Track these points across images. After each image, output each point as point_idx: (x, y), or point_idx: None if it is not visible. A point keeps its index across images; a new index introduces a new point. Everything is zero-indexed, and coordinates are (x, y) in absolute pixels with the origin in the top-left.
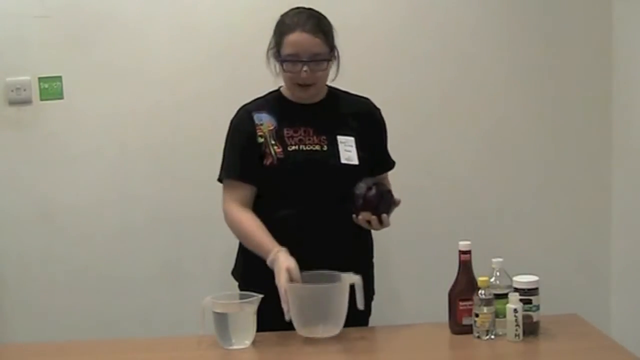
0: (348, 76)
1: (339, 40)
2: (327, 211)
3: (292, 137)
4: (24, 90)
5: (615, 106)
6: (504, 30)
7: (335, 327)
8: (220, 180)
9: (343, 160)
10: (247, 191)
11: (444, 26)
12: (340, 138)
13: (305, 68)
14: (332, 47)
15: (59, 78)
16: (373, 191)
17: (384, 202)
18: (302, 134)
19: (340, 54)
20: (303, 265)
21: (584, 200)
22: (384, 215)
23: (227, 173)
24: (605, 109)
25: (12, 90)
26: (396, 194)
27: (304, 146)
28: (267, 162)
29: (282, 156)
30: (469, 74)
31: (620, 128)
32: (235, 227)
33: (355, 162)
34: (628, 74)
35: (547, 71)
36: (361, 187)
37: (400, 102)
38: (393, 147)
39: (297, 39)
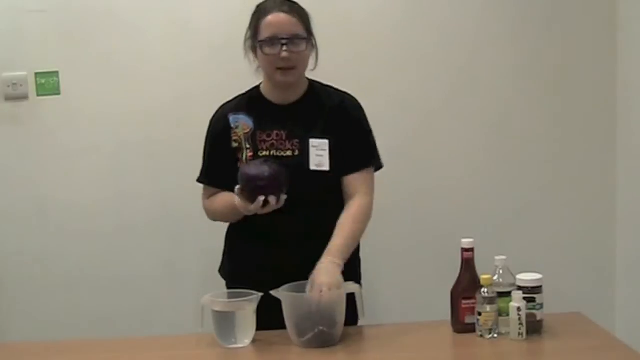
0: (349, 74)
1: (339, 37)
2: (300, 216)
3: (264, 141)
4: (21, 85)
5: (620, 104)
6: (507, 28)
7: (333, 338)
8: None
9: (312, 167)
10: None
11: (446, 24)
12: (312, 142)
13: (284, 48)
14: (309, 32)
15: (56, 73)
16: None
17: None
18: (275, 137)
19: (338, 51)
20: (282, 267)
21: (588, 198)
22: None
23: (200, 177)
24: (609, 107)
25: (9, 86)
26: (397, 194)
27: (275, 151)
28: (240, 165)
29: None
30: (471, 72)
31: (625, 126)
32: (211, 211)
33: (326, 167)
34: (633, 71)
35: (551, 69)
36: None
37: (402, 101)
38: (394, 146)
39: (274, 19)
